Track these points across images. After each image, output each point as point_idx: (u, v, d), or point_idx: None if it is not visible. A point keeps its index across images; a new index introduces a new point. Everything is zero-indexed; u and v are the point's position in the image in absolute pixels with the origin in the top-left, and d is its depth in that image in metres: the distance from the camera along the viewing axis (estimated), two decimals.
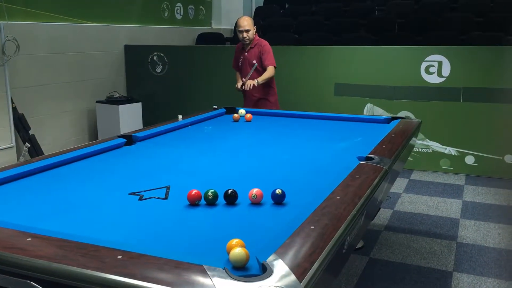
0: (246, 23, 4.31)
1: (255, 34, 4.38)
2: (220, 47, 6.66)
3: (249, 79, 4.28)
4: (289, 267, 1.17)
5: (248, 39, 4.33)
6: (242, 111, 3.60)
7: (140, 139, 2.82)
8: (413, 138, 3.03)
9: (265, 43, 4.38)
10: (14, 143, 4.82)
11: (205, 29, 7.84)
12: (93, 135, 5.90)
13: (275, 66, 4.34)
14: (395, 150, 2.44)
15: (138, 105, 5.93)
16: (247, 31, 4.31)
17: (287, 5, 8.45)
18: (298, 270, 1.17)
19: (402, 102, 5.14)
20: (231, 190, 1.76)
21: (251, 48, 4.38)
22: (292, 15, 7.67)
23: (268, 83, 4.35)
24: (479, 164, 4.96)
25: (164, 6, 6.95)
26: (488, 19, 6.52)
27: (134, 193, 1.87)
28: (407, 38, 6.22)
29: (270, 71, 4.28)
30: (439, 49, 4.97)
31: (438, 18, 6.73)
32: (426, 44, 5.50)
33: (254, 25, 4.39)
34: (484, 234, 3.56)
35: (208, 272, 1.15)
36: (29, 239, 1.36)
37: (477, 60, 4.88)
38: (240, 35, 4.35)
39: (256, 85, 4.15)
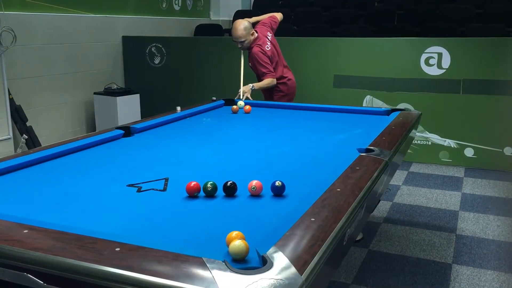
0: (240, 33, 4.00)
1: (252, 35, 4.06)
2: (219, 38, 6.63)
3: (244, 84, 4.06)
4: (289, 260, 1.16)
5: (244, 48, 4.12)
6: (241, 102, 3.58)
7: (138, 130, 2.80)
8: (413, 130, 3.02)
9: (253, 52, 4.07)
10: (11, 135, 4.80)
11: (203, 20, 7.80)
12: (91, 126, 5.88)
13: (273, 76, 4.07)
14: (395, 142, 2.43)
15: (136, 97, 5.90)
16: (242, 42, 4.04)
17: None
18: (299, 262, 1.16)
19: (401, 94, 5.12)
20: (230, 182, 1.74)
21: (250, 48, 4.14)
22: (291, 6, 7.63)
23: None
24: (478, 156, 4.95)
25: None
26: (487, 10, 6.50)
27: (132, 185, 1.86)
28: (406, 29, 6.20)
29: (267, 81, 4.05)
30: (439, 41, 4.94)
31: (438, 10, 6.70)
32: (426, 35, 5.47)
33: (251, 30, 4.06)
34: (483, 226, 3.56)
35: (207, 265, 1.13)
36: (26, 231, 1.34)
37: (477, 52, 4.85)
38: (235, 44, 4.14)
39: (249, 91, 3.92)
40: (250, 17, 4.37)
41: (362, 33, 6.24)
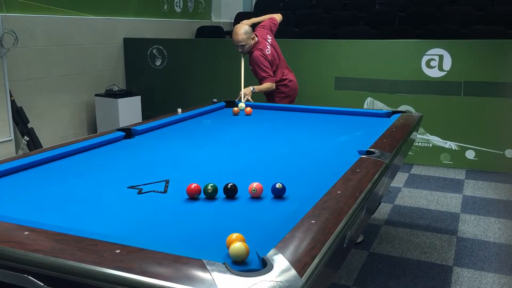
0: (241, 38, 3.98)
1: (252, 39, 4.06)
2: (220, 40, 6.63)
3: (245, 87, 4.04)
4: (289, 262, 1.16)
5: (244, 52, 4.11)
6: (242, 104, 3.58)
7: (139, 132, 2.81)
8: (414, 133, 3.02)
9: (254, 56, 4.07)
10: (12, 137, 4.81)
11: (204, 22, 7.81)
12: (92, 128, 5.88)
13: (272, 80, 4.07)
14: (396, 144, 2.43)
15: (137, 99, 5.91)
16: (243, 46, 4.03)
17: None
18: (299, 265, 1.16)
19: (402, 96, 5.12)
20: (231, 184, 1.74)
21: (251, 52, 4.14)
22: (292, 8, 7.64)
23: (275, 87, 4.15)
24: (479, 158, 4.95)
25: None
26: (488, 12, 6.50)
27: (133, 187, 1.86)
28: (407, 31, 6.20)
29: (266, 85, 4.06)
30: (440, 43, 4.94)
31: (439, 12, 6.70)
32: (427, 37, 5.47)
33: (252, 34, 4.06)
34: (484, 228, 3.55)
35: (207, 267, 1.13)
36: (26, 232, 1.34)
37: (478, 54, 4.85)
38: (236, 49, 4.13)
39: (250, 93, 3.91)
40: (249, 18, 4.36)
41: (363, 35, 6.24)
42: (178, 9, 7.25)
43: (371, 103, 5.24)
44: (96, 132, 5.60)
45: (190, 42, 6.64)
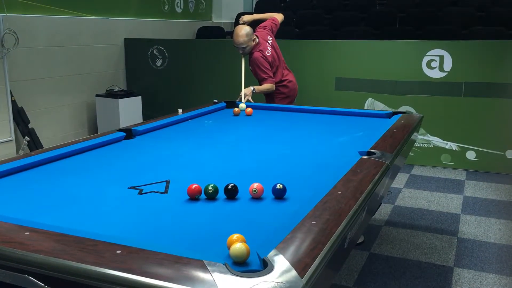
0: (242, 40, 3.98)
1: (253, 41, 4.06)
2: (221, 41, 6.63)
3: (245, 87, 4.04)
4: (290, 263, 1.16)
5: (245, 54, 4.12)
6: (242, 105, 3.58)
7: (140, 133, 2.81)
8: (414, 133, 3.02)
9: (254, 57, 4.07)
10: (13, 137, 4.81)
11: (205, 23, 7.81)
12: (93, 128, 5.88)
13: (272, 81, 4.08)
14: (396, 145, 2.43)
15: (138, 99, 5.91)
16: (243, 48, 4.04)
17: None
18: (299, 265, 1.16)
19: (403, 96, 5.12)
20: (232, 184, 1.74)
21: (252, 53, 4.15)
22: (293, 9, 7.64)
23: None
24: (480, 159, 4.94)
25: None
26: (489, 13, 6.49)
27: (133, 187, 1.86)
28: (408, 32, 6.20)
29: (267, 86, 4.06)
30: (440, 44, 4.94)
31: (439, 12, 6.70)
32: (428, 38, 5.47)
33: (253, 36, 4.05)
34: (485, 229, 3.55)
35: (208, 268, 1.13)
36: (27, 233, 1.34)
37: (479, 55, 4.85)
38: (237, 50, 4.14)
39: (251, 94, 3.92)
40: (251, 13, 4.35)
41: (364, 35, 6.24)
42: (179, 10, 7.26)
43: (372, 104, 5.24)
44: (97, 133, 5.60)
45: (191, 43, 6.65)
